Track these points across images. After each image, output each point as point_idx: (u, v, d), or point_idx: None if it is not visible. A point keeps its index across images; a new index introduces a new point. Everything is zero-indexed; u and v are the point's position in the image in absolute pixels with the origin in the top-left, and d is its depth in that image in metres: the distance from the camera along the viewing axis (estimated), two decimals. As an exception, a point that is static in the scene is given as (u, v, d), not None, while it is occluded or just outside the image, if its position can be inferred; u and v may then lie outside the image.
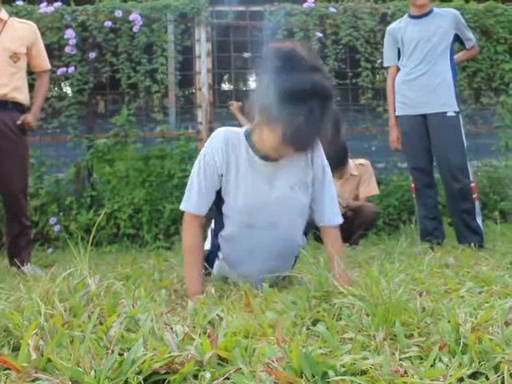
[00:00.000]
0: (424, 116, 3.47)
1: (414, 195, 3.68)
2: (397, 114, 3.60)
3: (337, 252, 2.03)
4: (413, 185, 3.63)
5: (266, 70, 1.83)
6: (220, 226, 2.12)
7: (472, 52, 3.76)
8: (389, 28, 3.69)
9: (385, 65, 3.79)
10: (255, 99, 1.88)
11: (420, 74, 3.46)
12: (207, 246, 2.24)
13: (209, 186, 2.02)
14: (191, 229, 2.04)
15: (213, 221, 2.25)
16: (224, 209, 2.08)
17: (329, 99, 1.78)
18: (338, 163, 3.83)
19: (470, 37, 3.63)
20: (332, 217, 2.13)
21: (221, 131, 2.05)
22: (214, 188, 2.04)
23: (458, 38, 3.58)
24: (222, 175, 2.02)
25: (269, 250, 2.07)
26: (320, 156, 2.10)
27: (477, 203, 3.45)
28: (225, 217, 2.09)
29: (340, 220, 2.14)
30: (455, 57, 3.74)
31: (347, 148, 4.02)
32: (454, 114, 3.43)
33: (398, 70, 3.62)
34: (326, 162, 2.13)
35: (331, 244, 2.11)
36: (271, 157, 1.97)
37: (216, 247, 2.17)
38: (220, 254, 2.16)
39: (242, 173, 2.01)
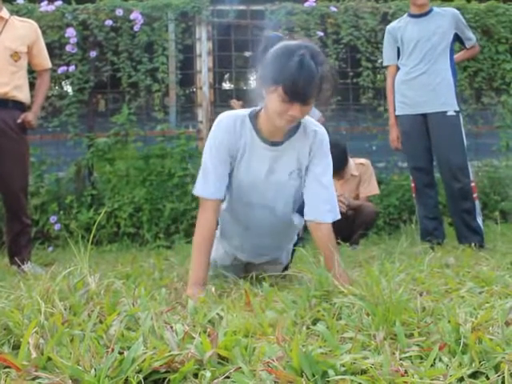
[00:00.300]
0: (424, 115, 3.47)
1: (414, 195, 3.68)
2: (397, 113, 3.59)
3: (330, 250, 2.01)
4: (413, 184, 3.63)
5: (260, 53, 2.00)
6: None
7: (472, 51, 3.76)
8: (388, 27, 3.69)
9: (384, 64, 3.79)
10: (256, 79, 2.01)
11: (420, 74, 3.46)
12: None
13: (224, 168, 2.05)
14: (208, 215, 2.04)
15: None
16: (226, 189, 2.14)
17: (316, 50, 1.91)
18: (337, 166, 3.82)
19: (470, 36, 3.62)
20: (321, 217, 2.07)
21: (227, 114, 2.10)
22: (228, 170, 2.07)
23: (458, 38, 3.58)
24: (232, 156, 2.06)
25: (264, 227, 2.15)
26: (316, 159, 2.10)
27: (477, 203, 3.44)
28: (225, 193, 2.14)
29: (331, 218, 2.08)
30: (455, 56, 3.74)
31: (347, 151, 4.01)
32: (454, 114, 3.42)
33: (398, 69, 3.61)
34: (325, 164, 2.11)
35: (322, 242, 2.07)
36: (275, 136, 2.04)
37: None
38: (218, 232, 2.22)
39: (246, 153, 2.06)
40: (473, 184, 3.43)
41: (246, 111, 2.10)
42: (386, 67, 3.80)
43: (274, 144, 2.06)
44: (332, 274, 1.84)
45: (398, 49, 3.60)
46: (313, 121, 2.16)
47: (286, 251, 2.36)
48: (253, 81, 9.03)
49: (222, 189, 2.05)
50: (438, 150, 3.46)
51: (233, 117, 2.08)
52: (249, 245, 2.22)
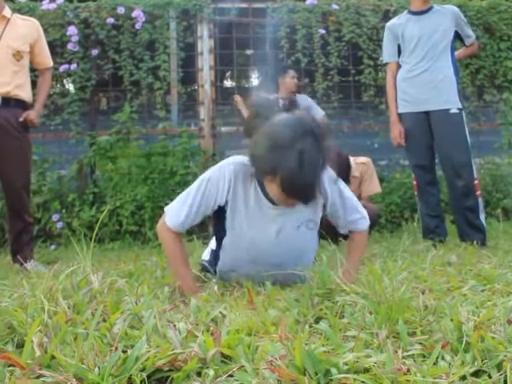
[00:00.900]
0: (426, 113, 3.46)
1: (415, 193, 3.67)
2: (399, 111, 3.58)
3: (351, 253, 2.09)
4: (415, 182, 3.62)
5: (252, 122, 1.82)
6: (217, 258, 2.12)
7: (472, 49, 3.74)
8: (388, 24, 3.67)
9: (384, 61, 3.77)
10: (249, 154, 1.82)
11: (422, 71, 3.44)
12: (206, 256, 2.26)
13: (201, 210, 1.96)
14: (170, 238, 2.01)
15: (210, 249, 2.26)
16: (226, 241, 2.05)
17: (320, 135, 1.70)
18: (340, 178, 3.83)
19: (470, 34, 3.61)
20: (355, 226, 2.11)
21: (233, 162, 1.96)
22: (204, 214, 1.99)
23: (457, 35, 3.56)
24: (221, 206, 1.96)
25: (275, 277, 1.98)
26: (331, 183, 1.99)
27: (480, 200, 3.43)
28: (224, 249, 2.07)
29: (364, 224, 2.12)
30: (457, 53, 3.73)
31: (350, 163, 3.97)
32: (457, 111, 3.41)
33: (398, 66, 3.60)
34: (338, 182, 2.03)
35: (350, 246, 2.15)
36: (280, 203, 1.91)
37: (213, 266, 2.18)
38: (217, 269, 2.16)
39: (249, 210, 1.96)
40: (476, 181, 3.42)
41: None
42: (386, 64, 3.79)
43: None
44: (344, 268, 1.88)
45: (399, 46, 3.59)
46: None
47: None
48: (254, 78, 9.03)
49: (187, 226, 2.00)
50: (441, 147, 3.45)
51: (239, 167, 1.93)
52: (255, 273, 2.02)
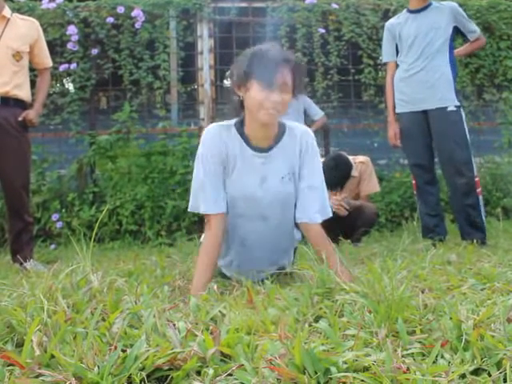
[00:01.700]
0: (425, 112, 3.45)
1: (414, 192, 3.67)
2: (397, 111, 3.58)
3: (325, 250, 2.00)
4: (414, 182, 3.62)
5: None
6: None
7: (478, 44, 3.67)
8: (387, 24, 3.66)
9: (383, 60, 3.77)
10: (231, 88, 2.07)
11: (418, 70, 3.43)
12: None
13: (220, 181, 2.04)
14: (214, 231, 2.02)
15: None
16: None
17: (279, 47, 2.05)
18: (342, 182, 3.83)
19: (473, 28, 3.56)
20: (311, 214, 2.09)
21: (212, 128, 2.09)
22: (222, 181, 2.06)
23: (459, 31, 3.53)
24: (225, 167, 2.05)
25: (260, 241, 2.10)
26: (307, 159, 2.10)
27: (481, 198, 3.43)
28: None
29: (319, 217, 2.09)
30: (459, 50, 3.70)
31: (351, 166, 3.94)
32: (454, 109, 3.40)
33: (397, 65, 3.60)
34: (315, 164, 2.12)
35: (315, 242, 2.08)
36: (264, 141, 2.06)
37: None
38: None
39: (236, 165, 2.05)
40: (476, 179, 3.41)
41: (231, 121, 2.10)
42: (385, 64, 3.78)
43: (264, 150, 2.06)
44: (334, 271, 1.84)
45: (397, 45, 3.58)
46: (297, 124, 2.19)
47: (287, 257, 2.27)
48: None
49: (223, 201, 2.03)
50: (440, 146, 3.44)
51: (218, 128, 2.08)
52: (244, 261, 2.13)
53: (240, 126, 2.07)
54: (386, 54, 3.67)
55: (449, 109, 3.39)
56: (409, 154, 3.62)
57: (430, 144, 3.49)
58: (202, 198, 2.03)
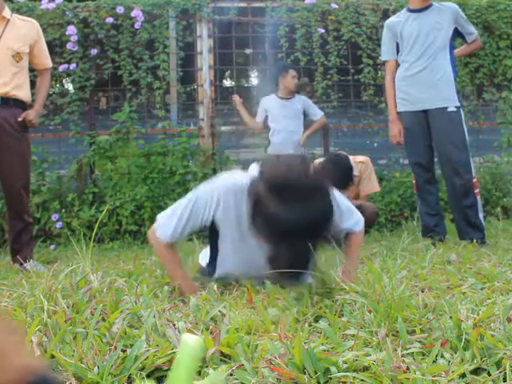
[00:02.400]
0: (425, 112, 3.46)
1: (415, 191, 3.67)
2: (398, 110, 3.58)
3: (349, 253, 2.07)
4: (414, 181, 3.63)
5: (256, 193, 1.68)
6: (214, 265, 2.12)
7: (474, 46, 3.71)
8: (387, 22, 3.66)
9: (383, 59, 3.76)
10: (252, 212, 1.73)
11: (420, 70, 3.44)
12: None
13: (189, 226, 1.95)
14: (161, 245, 1.99)
15: (206, 257, 2.23)
16: (221, 252, 2.06)
17: (313, 234, 1.65)
18: (345, 184, 3.72)
19: (471, 31, 3.58)
20: (351, 228, 2.11)
21: (227, 181, 1.95)
22: (193, 229, 1.97)
23: (458, 33, 3.55)
24: (208, 223, 1.95)
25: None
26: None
27: (479, 199, 3.43)
28: (220, 257, 2.07)
29: (360, 225, 2.12)
30: (457, 51, 3.71)
31: (352, 169, 3.86)
32: (454, 109, 3.40)
33: (398, 64, 3.59)
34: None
35: (347, 246, 2.12)
36: None
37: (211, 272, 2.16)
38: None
39: (242, 229, 1.91)
40: (475, 180, 3.42)
41: (248, 179, 1.82)
42: (384, 63, 3.78)
43: None
44: (343, 269, 1.90)
45: (397, 44, 3.58)
46: None
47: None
48: (253, 78, 9.03)
49: (177, 237, 1.96)
50: (439, 146, 3.45)
51: (233, 187, 1.90)
52: (248, 274, 2.02)
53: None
54: (386, 53, 3.67)
55: (449, 109, 3.40)
56: (409, 153, 3.63)
57: (430, 143, 3.50)
58: (165, 222, 1.97)
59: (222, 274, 2.11)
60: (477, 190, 3.42)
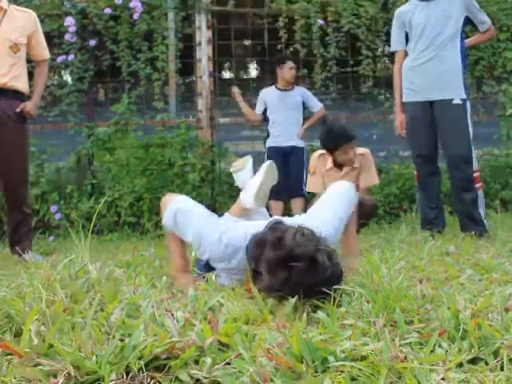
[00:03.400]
0: (431, 103, 3.40)
1: (416, 183, 3.65)
2: (403, 100, 3.53)
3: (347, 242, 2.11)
4: (415, 172, 3.60)
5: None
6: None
7: (487, 35, 3.62)
8: (397, 11, 3.57)
9: (392, 49, 3.67)
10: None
11: (427, 60, 3.37)
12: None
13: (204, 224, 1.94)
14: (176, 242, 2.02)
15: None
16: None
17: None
18: (330, 147, 3.74)
19: (484, 19, 3.49)
20: None
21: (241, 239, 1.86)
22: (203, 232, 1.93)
23: (470, 22, 3.46)
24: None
25: None
26: None
27: (480, 193, 3.41)
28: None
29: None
30: (469, 40, 3.64)
31: (345, 133, 3.83)
32: (460, 102, 3.35)
33: (406, 54, 3.54)
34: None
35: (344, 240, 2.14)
36: None
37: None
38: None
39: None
40: (477, 174, 3.39)
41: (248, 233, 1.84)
42: (392, 52, 3.71)
43: None
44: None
45: (407, 33, 3.49)
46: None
47: None
48: (253, 69, 9.01)
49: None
50: (442, 138, 3.41)
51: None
52: None
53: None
54: (395, 42, 3.60)
55: (454, 102, 3.35)
56: (413, 145, 3.57)
57: (434, 135, 3.44)
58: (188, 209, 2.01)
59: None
60: (478, 185, 3.39)
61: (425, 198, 3.53)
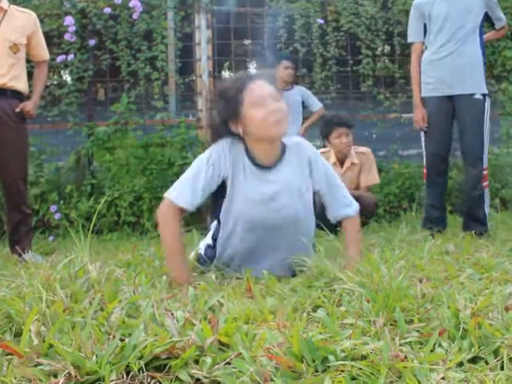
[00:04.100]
0: (450, 98, 3.35)
1: (424, 181, 3.61)
2: (422, 95, 3.45)
3: (351, 241, 2.16)
4: (425, 171, 3.55)
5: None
6: (218, 232, 2.14)
7: (502, 32, 3.62)
8: (415, 1, 3.49)
9: (409, 40, 3.61)
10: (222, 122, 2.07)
11: (447, 54, 3.32)
12: (201, 250, 2.26)
13: (206, 188, 2.02)
14: (173, 219, 2.03)
15: (205, 244, 2.26)
16: (224, 216, 2.09)
17: None
18: (323, 134, 4.01)
19: (501, 16, 3.48)
20: (344, 211, 2.18)
21: (226, 140, 2.08)
22: (209, 191, 2.05)
23: (487, 17, 3.42)
24: (224, 180, 2.04)
25: (272, 251, 2.07)
26: (319, 165, 2.15)
27: (486, 191, 3.40)
28: (224, 224, 2.09)
29: (352, 211, 2.19)
30: (485, 36, 3.60)
31: (335, 123, 4.00)
32: (480, 97, 3.31)
33: (424, 47, 3.48)
34: (327, 166, 2.19)
35: (347, 234, 2.20)
36: (269, 159, 2.07)
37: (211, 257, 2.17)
38: (215, 260, 2.15)
39: (239, 183, 2.04)
40: (485, 172, 3.37)
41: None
42: (409, 44, 3.65)
43: (269, 168, 2.07)
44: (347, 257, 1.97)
45: (425, 25, 3.44)
46: (291, 136, 2.21)
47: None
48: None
49: (195, 202, 2.02)
50: (460, 133, 3.36)
51: (230, 142, 2.08)
52: (250, 264, 2.04)
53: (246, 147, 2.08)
54: (413, 34, 3.54)
55: (475, 96, 3.31)
56: (428, 141, 3.49)
57: (450, 132, 3.41)
58: (179, 188, 2.03)
59: (223, 257, 2.13)
60: (485, 183, 3.38)
61: (431, 197, 3.49)
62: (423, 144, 3.56)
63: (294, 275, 2.01)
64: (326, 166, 2.19)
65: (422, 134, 3.53)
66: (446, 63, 3.33)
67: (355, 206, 2.21)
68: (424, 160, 3.57)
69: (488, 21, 3.51)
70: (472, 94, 3.32)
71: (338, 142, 3.93)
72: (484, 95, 3.34)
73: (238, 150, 2.06)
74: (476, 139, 3.31)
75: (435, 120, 3.42)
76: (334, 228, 2.44)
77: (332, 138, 3.95)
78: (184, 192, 2.01)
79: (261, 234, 2.03)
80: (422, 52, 3.51)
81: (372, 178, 4.16)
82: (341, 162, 4.06)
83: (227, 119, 2.02)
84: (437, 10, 3.36)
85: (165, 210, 2.05)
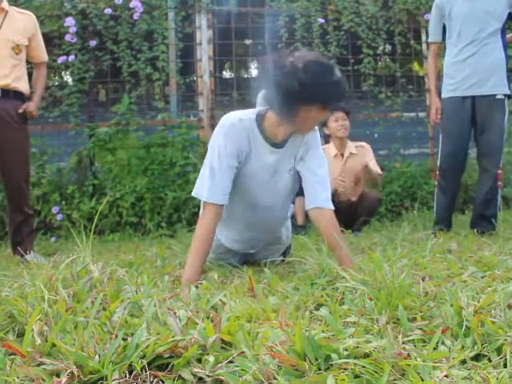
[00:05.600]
0: (472, 98, 3.33)
1: (436, 183, 3.58)
2: (444, 96, 3.42)
3: (334, 237, 2.04)
4: (438, 172, 3.51)
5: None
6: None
7: None
8: (437, 1, 3.44)
9: (429, 40, 3.59)
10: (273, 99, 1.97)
11: (470, 55, 3.28)
12: None
13: (231, 176, 2.06)
14: (211, 220, 2.02)
15: None
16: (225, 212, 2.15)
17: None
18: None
19: None
20: (321, 201, 2.15)
21: (232, 118, 2.09)
22: (233, 176, 2.09)
23: (511, 17, 3.36)
24: (240, 161, 2.10)
25: (264, 225, 2.25)
26: (314, 143, 2.21)
27: (499, 191, 3.39)
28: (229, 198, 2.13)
29: (330, 204, 2.16)
30: (508, 36, 3.58)
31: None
32: (502, 97, 3.29)
33: (443, 46, 3.47)
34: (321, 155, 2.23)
35: (324, 224, 2.12)
36: (279, 137, 2.11)
37: None
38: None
39: (252, 158, 2.11)
40: (499, 171, 3.35)
41: (252, 113, 2.11)
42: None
43: (279, 146, 2.14)
44: (337, 256, 1.96)
45: (444, 26, 3.41)
46: None
47: (284, 229, 2.42)
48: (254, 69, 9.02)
49: (227, 195, 2.05)
50: (480, 134, 3.34)
51: (240, 123, 2.08)
52: (247, 239, 2.31)
53: (260, 122, 2.10)
54: (431, 34, 3.52)
55: (497, 97, 3.29)
56: (446, 142, 3.44)
57: (469, 134, 3.39)
58: (209, 186, 2.03)
59: (224, 240, 2.28)
60: (499, 183, 3.38)
61: (443, 198, 3.48)
62: (440, 145, 3.51)
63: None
64: (319, 151, 2.22)
65: (441, 135, 3.49)
66: (469, 64, 3.30)
67: (330, 204, 2.15)
68: (438, 161, 3.54)
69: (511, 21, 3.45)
70: (494, 95, 3.30)
71: (335, 125, 4.04)
72: (506, 95, 3.32)
73: (252, 131, 2.09)
74: (496, 140, 3.29)
75: (454, 121, 3.38)
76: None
77: (330, 122, 4.05)
78: (215, 189, 2.04)
79: (259, 209, 2.17)
80: (440, 51, 3.52)
81: (375, 167, 4.17)
82: (341, 153, 4.14)
83: (303, 99, 1.92)
84: (457, 9, 3.32)
85: (204, 209, 2.07)
